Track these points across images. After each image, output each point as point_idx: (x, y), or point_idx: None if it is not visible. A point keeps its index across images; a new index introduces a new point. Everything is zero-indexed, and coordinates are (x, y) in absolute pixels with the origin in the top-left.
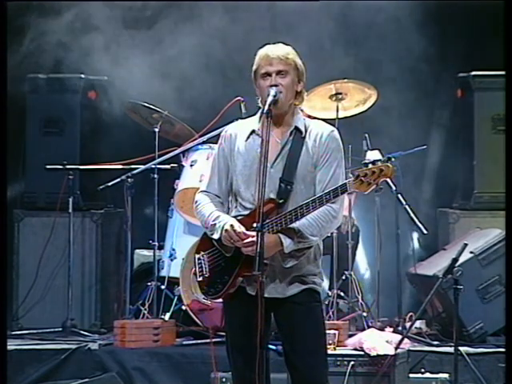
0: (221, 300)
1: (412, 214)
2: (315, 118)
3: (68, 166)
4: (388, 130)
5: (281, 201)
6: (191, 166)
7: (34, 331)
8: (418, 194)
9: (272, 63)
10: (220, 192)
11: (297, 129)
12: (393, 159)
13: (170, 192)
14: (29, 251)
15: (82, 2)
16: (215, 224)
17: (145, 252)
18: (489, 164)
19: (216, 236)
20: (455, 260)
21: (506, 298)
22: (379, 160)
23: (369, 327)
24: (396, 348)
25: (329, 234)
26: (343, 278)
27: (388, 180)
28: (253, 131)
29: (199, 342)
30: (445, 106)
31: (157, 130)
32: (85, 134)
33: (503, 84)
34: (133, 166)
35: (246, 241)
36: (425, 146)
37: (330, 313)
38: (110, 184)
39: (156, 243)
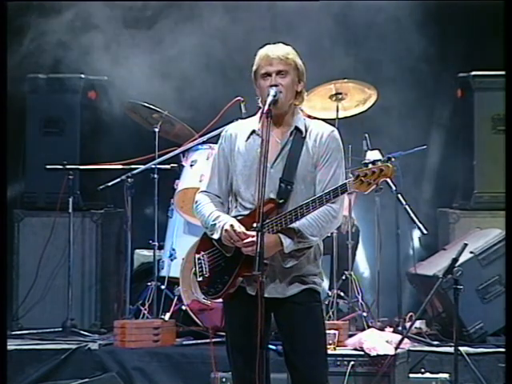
0: (221, 300)
1: (412, 214)
2: (315, 118)
3: (68, 166)
4: (388, 130)
5: (281, 201)
6: (191, 166)
7: (34, 331)
8: (418, 193)
9: (272, 63)
10: (220, 192)
11: (297, 129)
12: (393, 159)
13: (170, 192)
14: (29, 251)
15: (82, 1)
16: (215, 224)
17: (145, 252)
18: (489, 164)
19: (216, 236)
20: (455, 260)
21: (506, 298)
22: (379, 160)
23: (369, 327)
24: (396, 348)
25: (329, 234)
26: (343, 278)
27: (388, 180)
28: (253, 131)
29: (199, 342)
30: (445, 105)
31: (157, 129)
32: (85, 134)
33: (503, 84)
34: (133, 166)
35: (246, 241)
36: (425, 146)
37: (330, 313)
38: (110, 184)
39: (156, 243)
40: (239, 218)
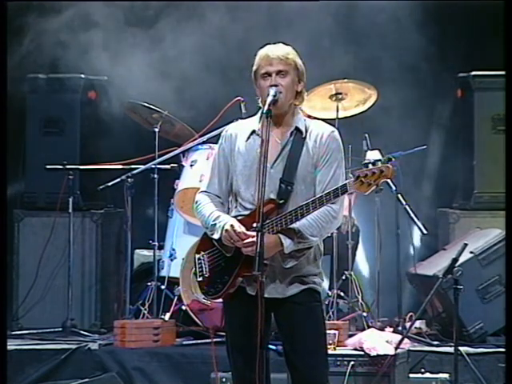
0: (221, 300)
1: (412, 214)
2: (315, 118)
3: (68, 166)
4: (388, 130)
5: (281, 201)
6: (191, 166)
7: (34, 331)
8: (418, 193)
9: (272, 63)
10: (220, 192)
11: (297, 129)
12: (393, 159)
13: (170, 192)
14: (29, 251)
15: (82, 1)
16: (215, 224)
17: (145, 252)
18: (489, 164)
19: (216, 236)
20: (455, 260)
21: (506, 298)
22: (379, 160)
23: (369, 327)
24: (396, 348)
25: (329, 235)
26: (343, 278)
27: (388, 180)
28: (253, 131)
29: (199, 342)
30: (445, 105)
31: (157, 130)
32: (85, 134)
33: (503, 84)
34: (133, 166)
35: (246, 241)
36: (425, 146)
37: (330, 313)
38: (110, 184)
39: (156, 243)
40: (239, 218)
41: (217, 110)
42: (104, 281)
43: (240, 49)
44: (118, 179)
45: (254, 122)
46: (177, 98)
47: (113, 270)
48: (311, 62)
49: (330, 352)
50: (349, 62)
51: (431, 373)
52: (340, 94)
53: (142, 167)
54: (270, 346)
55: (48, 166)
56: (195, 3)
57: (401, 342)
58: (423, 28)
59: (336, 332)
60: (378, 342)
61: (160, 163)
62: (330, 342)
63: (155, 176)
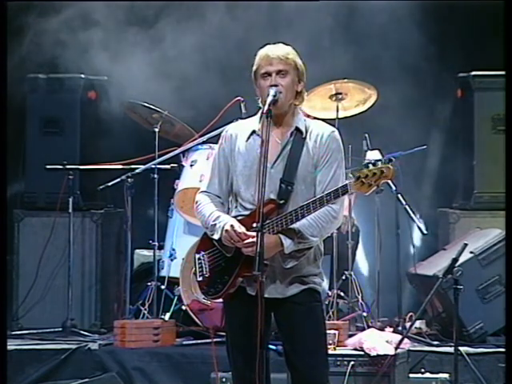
0: (221, 300)
1: (412, 214)
2: (315, 118)
3: (68, 166)
4: (388, 130)
5: (281, 201)
6: (191, 166)
7: (34, 331)
8: (418, 193)
9: (272, 63)
10: (220, 192)
11: (297, 129)
12: (393, 159)
13: (170, 192)
14: (29, 251)
15: (82, 1)
16: (215, 224)
17: (145, 252)
18: (489, 164)
19: (216, 236)
20: (455, 260)
21: (506, 298)
22: (380, 160)
23: (369, 327)
24: (396, 348)
25: (329, 235)
26: (343, 278)
27: (388, 181)
28: (253, 131)
29: (199, 342)
30: (445, 105)
31: (157, 130)
32: (85, 134)
33: (503, 84)
34: (133, 166)
35: (246, 241)
36: (425, 146)
37: (330, 313)
38: (110, 184)
39: (156, 243)
40: (239, 218)
41: (217, 110)
42: (104, 281)
43: (240, 49)
44: (118, 179)
45: (254, 122)
46: (177, 98)
47: (113, 270)
48: (311, 62)
49: (330, 352)
50: (349, 61)
51: (431, 373)
52: (340, 93)
53: (142, 167)
54: (270, 346)
55: (48, 166)
56: (195, 3)
57: (401, 341)
58: (423, 28)
59: (336, 332)
60: (378, 342)
61: (160, 163)
62: (330, 341)
63: (155, 176)
